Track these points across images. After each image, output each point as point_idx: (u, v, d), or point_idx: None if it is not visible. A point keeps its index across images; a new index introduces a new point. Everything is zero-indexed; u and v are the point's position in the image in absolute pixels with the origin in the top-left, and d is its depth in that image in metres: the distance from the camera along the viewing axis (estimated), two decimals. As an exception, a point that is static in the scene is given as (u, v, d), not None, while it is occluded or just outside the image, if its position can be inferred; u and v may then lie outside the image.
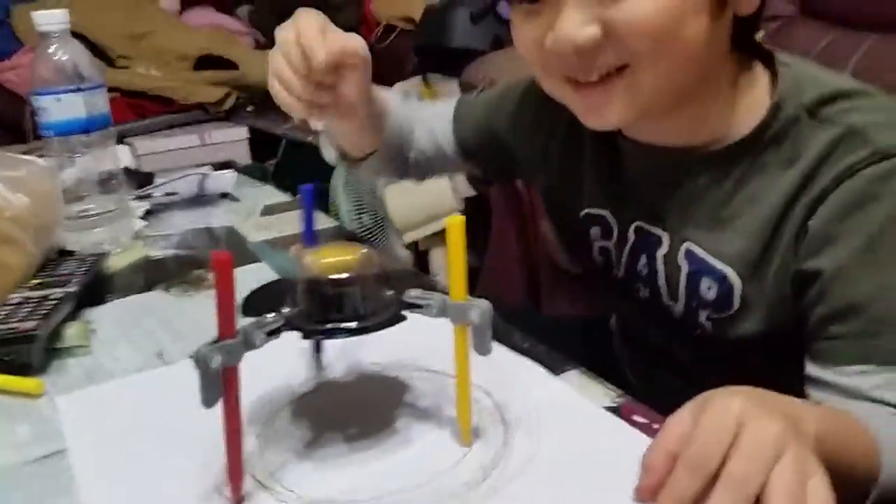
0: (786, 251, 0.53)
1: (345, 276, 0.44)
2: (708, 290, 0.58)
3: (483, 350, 0.44)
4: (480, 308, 0.44)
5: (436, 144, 0.81)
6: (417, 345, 0.57)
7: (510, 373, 0.54)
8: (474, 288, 0.81)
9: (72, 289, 0.70)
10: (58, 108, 0.83)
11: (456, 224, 0.42)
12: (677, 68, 0.51)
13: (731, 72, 0.56)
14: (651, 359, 0.73)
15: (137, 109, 2.51)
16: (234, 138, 2.59)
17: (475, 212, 2.02)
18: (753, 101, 0.55)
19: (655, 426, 0.48)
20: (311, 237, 0.55)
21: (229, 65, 2.59)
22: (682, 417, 0.43)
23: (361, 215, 2.06)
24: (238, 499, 0.42)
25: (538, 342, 0.60)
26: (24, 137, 1.96)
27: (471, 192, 2.03)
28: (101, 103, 0.86)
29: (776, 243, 0.54)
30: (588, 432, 0.47)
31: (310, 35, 0.59)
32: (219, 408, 0.41)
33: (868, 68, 1.22)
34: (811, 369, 0.52)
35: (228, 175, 1.15)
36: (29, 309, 0.64)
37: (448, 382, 0.53)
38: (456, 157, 0.81)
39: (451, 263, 0.44)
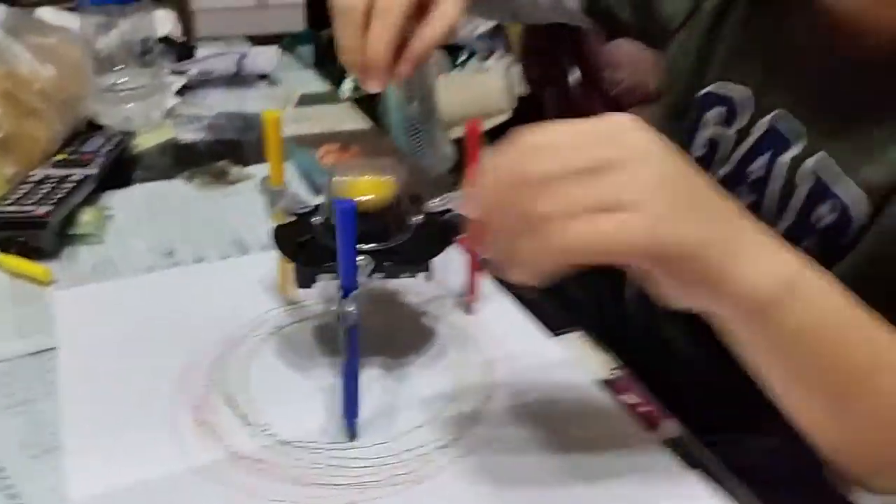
0: None
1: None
2: (829, 213, 0.48)
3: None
4: None
5: None
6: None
7: (508, 330, 0.52)
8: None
9: (92, 171, 0.69)
10: (93, -26, 0.79)
11: (272, 118, 0.46)
12: None
13: None
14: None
15: (198, -40, 2.44)
16: (291, 1, 2.52)
17: (527, 113, 1.95)
18: None
19: (647, 410, 0.46)
20: (349, 271, 0.39)
21: (293, -77, 2.48)
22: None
23: (411, 102, 2.01)
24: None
25: (546, 295, 0.58)
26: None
27: (525, 92, 1.95)
28: (139, -27, 0.82)
29: None
30: (572, 405, 0.46)
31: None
32: (211, 317, 0.42)
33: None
34: None
35: (270, 54, 1.11)
36: (47, 190, 0.64)
37: (445, 332, 0.52)
38: (577, 8, 0.69)
39: (270, 156, 0.48)
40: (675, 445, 0.44)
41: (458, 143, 2.01)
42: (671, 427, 0.45)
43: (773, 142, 0.52)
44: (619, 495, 0.39)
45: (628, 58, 1.68)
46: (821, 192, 0.48)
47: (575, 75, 1.74)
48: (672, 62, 0.61)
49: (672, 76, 0.62)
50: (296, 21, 2.49)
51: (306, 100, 1.02)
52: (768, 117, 0.53)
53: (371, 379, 0.47)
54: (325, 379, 0.47)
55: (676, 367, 0.67)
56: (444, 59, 2.06)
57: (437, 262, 0.45)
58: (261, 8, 2.51)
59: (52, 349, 0.50)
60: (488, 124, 1.96)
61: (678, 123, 0.60)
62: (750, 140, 0.54)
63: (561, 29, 1.75)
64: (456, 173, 1.89)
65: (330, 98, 1.05)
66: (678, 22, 0.60)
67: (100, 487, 0.38)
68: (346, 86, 1.89)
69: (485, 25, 2.18)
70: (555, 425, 0.44)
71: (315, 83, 1.10)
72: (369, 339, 0.51)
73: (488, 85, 1.93)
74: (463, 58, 2.27)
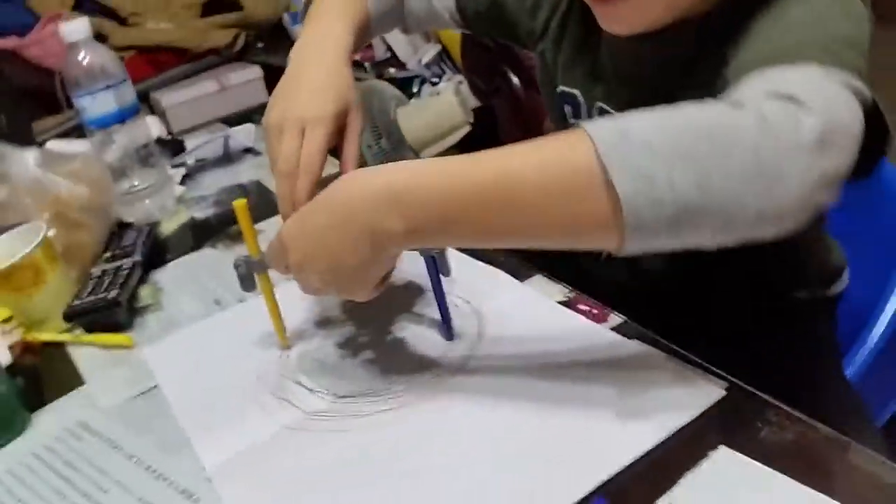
0: None
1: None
2: None
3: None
4: None
5: (430, 9, 0.83)
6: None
7: (485, 282, 0.68)
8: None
9: (137, 258, 0.86)
10: (94, 106, 0.96)
11: (241, 206, 0.64)
12: None
13: None
14: None
15: (155, 64, 2.61)
16: (249, 78, 2.68)
17: (483, 121, 2.11)
18: None
19: (595, 311, 0.62)
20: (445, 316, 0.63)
21: (234, 6, 2.66)
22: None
23: (380, 140, 2.17)
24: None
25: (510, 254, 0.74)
26: (59, 108, 2.09)
27: (477, 104, 2.12)
28: (129, 95, 1.00)
29: None
30: (544, 322, 0.62)
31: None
32: (265, 339, 0.60)
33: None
34: None
35: (248, 130, 1.28)
36: (109, 279, 0.81)
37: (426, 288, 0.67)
38: (452, 23, 0.84)
39: (245, 235, 0.65)
40: (618, 330, 0.60)
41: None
42: (615, 319, 0.61)
43: None
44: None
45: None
46: None
47: (515, 81, 1.91)
48: (540, 65, 0.78)
49: (542, 75, 0.78)
50: (256, 95, 2.66)
51: (288, 160, 1.19)
52: (595, 109, 0.69)
53: (384, 340, 0.63)
54: (363, 356, 0.63)
55: (637, 279, 0.78)
56: (400, 95, 2.23)
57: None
58: (222, 91, 2.68)
59: (152, 388, 0.66)
60: (453, 140, 2.12)
61: (552, 113, 0.77)
62: None
63: (494, 42, 1.92)
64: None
65: (307, 153, 1.21)
66: (537, 35, 0.76)
67: (224, 456, 0.54)
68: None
69: (429, 54, 2.36)
70: (534, 337, 0.60)
71: (291, 144, 1.26)
72: (373, 318, 0.67)
73: (443, 105, 2.10)
74: (416, 88, 2.45)
